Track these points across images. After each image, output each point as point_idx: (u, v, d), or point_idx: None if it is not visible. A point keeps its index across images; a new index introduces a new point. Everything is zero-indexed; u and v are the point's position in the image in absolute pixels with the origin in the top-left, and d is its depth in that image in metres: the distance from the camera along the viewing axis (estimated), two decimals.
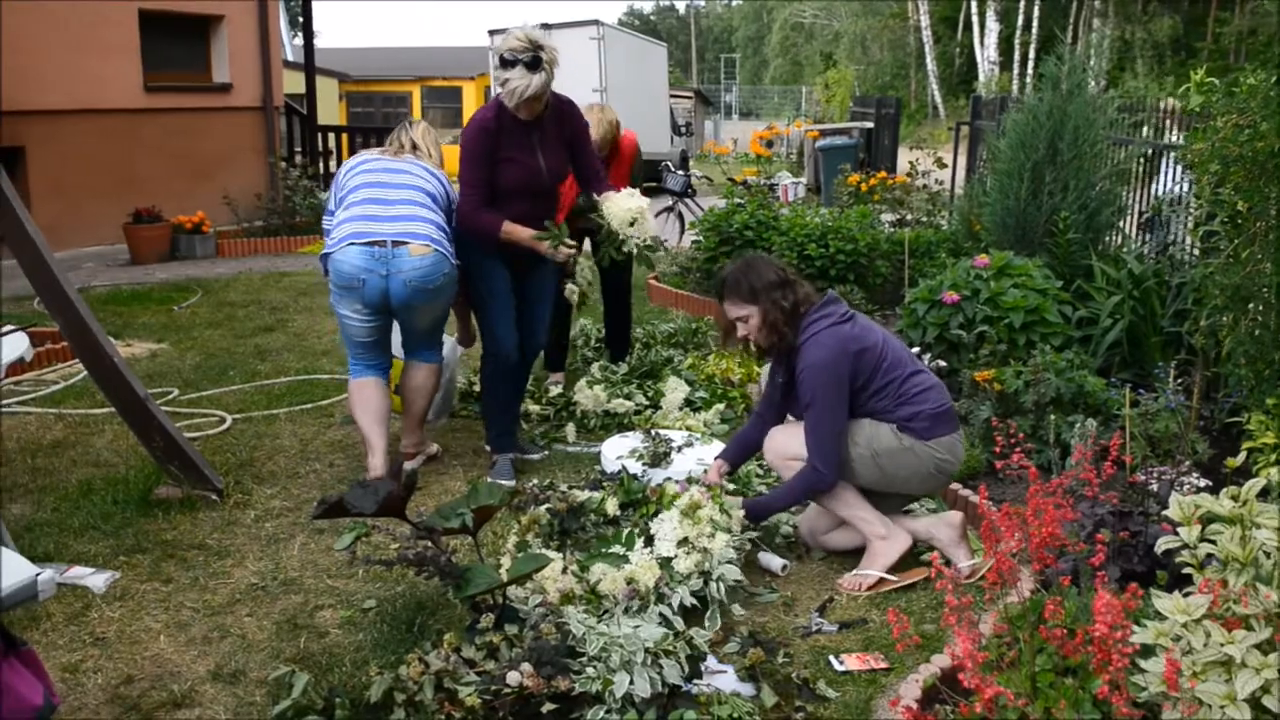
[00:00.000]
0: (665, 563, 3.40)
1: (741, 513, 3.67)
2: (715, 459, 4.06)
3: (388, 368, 4.61)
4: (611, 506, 3.82)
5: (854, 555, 3.77)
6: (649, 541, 3.56)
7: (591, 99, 8.28)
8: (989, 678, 2.18)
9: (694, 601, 3.32)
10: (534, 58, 4.13)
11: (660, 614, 3.21)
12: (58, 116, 10.14)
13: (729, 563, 3.46)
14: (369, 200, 4.36)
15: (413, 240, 4.24)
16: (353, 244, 4.24)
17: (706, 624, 3.28)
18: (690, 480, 3.88)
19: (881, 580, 3.59)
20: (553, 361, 5.95)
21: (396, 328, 4.59)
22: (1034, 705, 2.24)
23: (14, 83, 9.65)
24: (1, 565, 2.60)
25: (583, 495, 3.90)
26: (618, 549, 3.53)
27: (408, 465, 4.23)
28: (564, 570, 3.33)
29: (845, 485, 3.67)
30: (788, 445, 3.75)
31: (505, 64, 4.15)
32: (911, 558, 3.68)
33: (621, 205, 4.38)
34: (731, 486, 4.07)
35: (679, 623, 3.14)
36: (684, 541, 3.49)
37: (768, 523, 3.89)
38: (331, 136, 13.61)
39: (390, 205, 4.34)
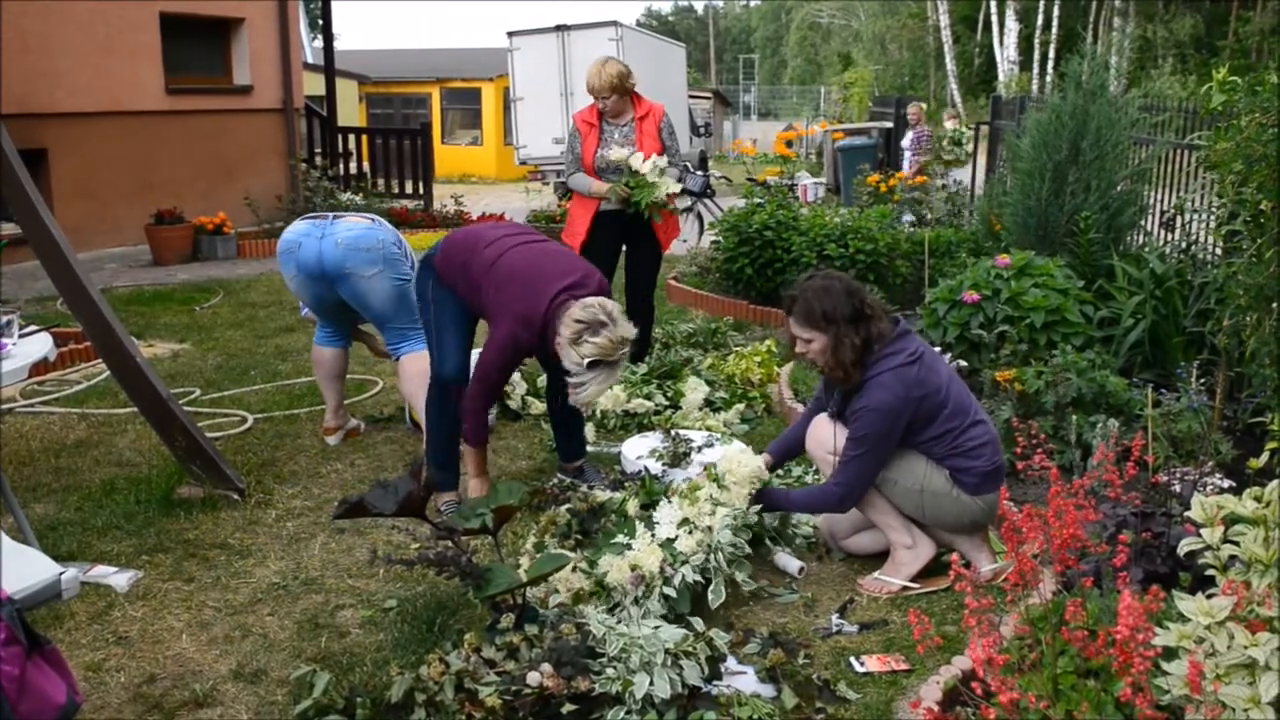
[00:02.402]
0: (667, 544, 3.40)
1: (748, 489, 3.65)
2: (763, 453, 3.90)
3: (344, 339, 5.03)
4: (632, 507, 3.82)
5: (875, 556, 3.77)
6: (651, 528, 3.55)
7: None
8: (1010, 680, 2.17)
9: (698, 579, 3.32)
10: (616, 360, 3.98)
11: (663, 595, 3.21)
12: (79, 119, 10.21)
13: (728, 529, 3.47)
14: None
15: (351, 216, 4.76)
16: (300, 220, 4.79)
17: (710, 596, 3.30)
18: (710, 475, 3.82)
19: (904, 588, 3.58)
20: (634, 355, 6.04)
21: None
22: (1056, 707, 2.23)
23: (35, 85, 9.73)
24: (26, 564, 2.62)
25: (603, 495, 3.90)
26: (621, 539, 3.53)
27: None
28: (573, 569, 3.33)
29: (878, 493, 3.64)
30: (829, 439, 3.71)
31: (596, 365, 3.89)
32: (934, 562, 3.66)
33: (744, 470, 3.76)
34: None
35: (698, 623, 3.14)
36: (684, 522, 3.50)
37: (789, 524, 3.88)
38: (351, 138, 13.66)
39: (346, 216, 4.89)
